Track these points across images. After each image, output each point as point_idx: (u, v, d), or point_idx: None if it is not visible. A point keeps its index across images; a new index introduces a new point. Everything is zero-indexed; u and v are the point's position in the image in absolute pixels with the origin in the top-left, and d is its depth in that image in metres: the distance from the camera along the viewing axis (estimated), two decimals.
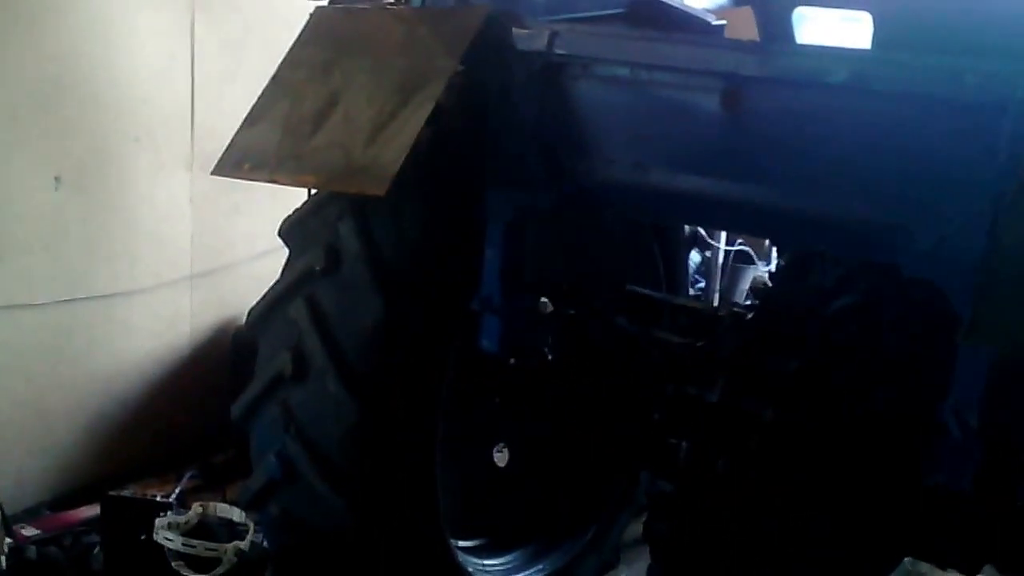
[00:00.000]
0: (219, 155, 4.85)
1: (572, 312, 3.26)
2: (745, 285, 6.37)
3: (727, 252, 6.12)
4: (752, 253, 6.46)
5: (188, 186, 4.89)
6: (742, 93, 2.51)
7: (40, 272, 4.38)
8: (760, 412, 2.78)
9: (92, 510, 4.42)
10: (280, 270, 3.14)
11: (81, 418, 4.68)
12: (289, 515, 3.05)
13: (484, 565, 3.66)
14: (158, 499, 4.24)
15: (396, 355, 2.95)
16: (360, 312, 2.92)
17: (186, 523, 2.98)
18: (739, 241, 6.10)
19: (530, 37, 2.76)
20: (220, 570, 2.86)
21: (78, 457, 4.68)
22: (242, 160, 2.88)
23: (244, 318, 5.08)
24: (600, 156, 2.80)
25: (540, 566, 3.89)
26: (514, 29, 2.77)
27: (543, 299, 3.29)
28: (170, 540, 2.86)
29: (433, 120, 2.65)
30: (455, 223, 2.98)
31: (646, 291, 3.52)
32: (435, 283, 2.98)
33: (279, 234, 3.18)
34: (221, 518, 3.03)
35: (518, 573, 3.81)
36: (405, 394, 3.00)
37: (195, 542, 2.85)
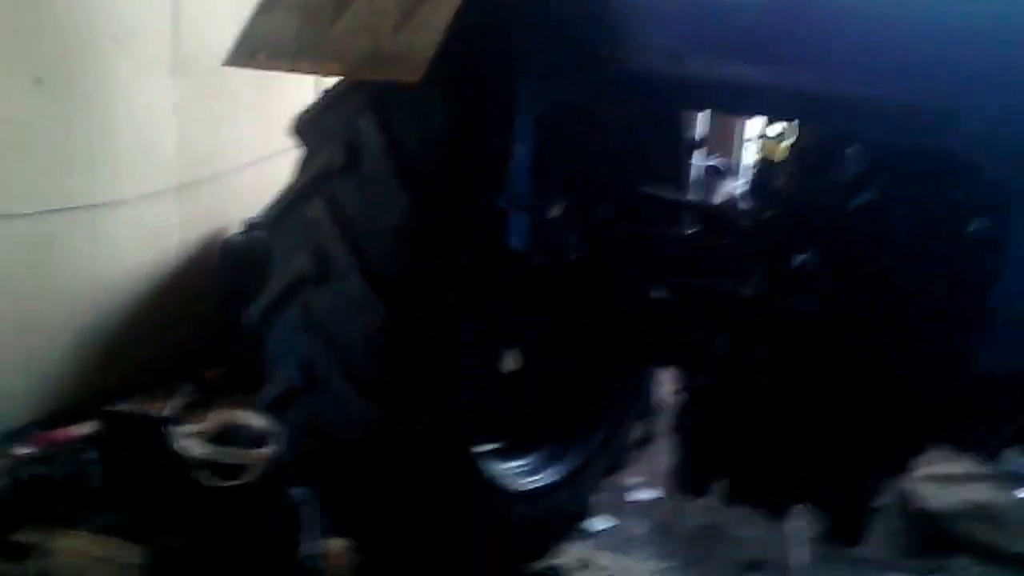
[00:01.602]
0: (202, 59, 4.75)
1: (597, 211, 3.16)
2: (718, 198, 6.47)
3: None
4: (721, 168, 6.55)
5: (171, 91, 4.69)
6: None
7: (19, 180, 4.17)
8: (800, 304, 2.72)
9: (84, 428, 4.32)
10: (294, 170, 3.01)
11: (67, 335, 4.52)
12: (311, 420, 2.95)
13: (500, 469, 3.59)
14: (158, 414, 4.17)
15: (421, 254, 2.84)
16: (383, 210, 2.80)
17: (208, 431, 2.87)
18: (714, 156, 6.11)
19: None
20: (249, 476, 2.76)
21: (66, 375, 4.53)
22: (257, 49, 2.72)
23: (231, 229, 5.00)
24: (636, 44, 2.67)
25: (554, 468, 3.84)
26: None
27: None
28: (195, 448, 2.75)
29: (464, 6, 2.50)
30: (482, 117, 2.85)
31: (663, 192, 3.43)
32: (461, 180, 2.86)
33: (294, 131, 3.03)
34: (242, 425, 2.92)
35: (532, 476, 3.76)
36: (430, 295, 2.89)
37: (224, 449, 2.75)
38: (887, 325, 2.79)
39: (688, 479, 3.13)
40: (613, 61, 2.71)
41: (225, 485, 2.77)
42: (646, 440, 4.87)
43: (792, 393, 2.82)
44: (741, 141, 7.57)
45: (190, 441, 2.80)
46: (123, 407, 4.40)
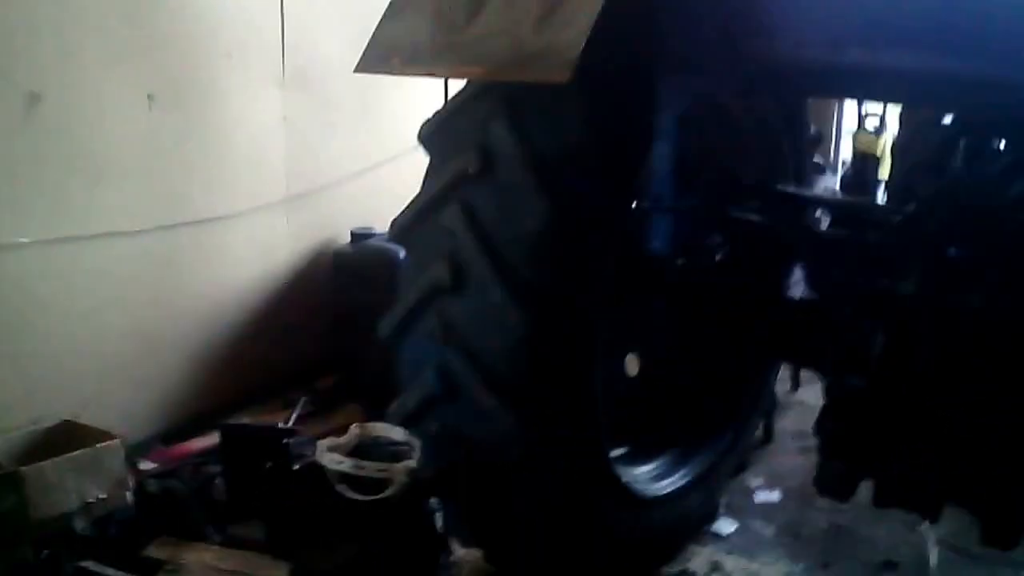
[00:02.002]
0: (309, 71, 4.76)
1: (736, 212, 3.09)
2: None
3: None
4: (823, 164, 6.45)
5: (280, 104, 4.71)
6: None
7: (139, 197, 4.22)
8: (963, 301, 2.61)
9: (205, 441, 4.34)
10: (423, 178, 2.97)
11: (185, 348, 4.56)
12: (451, 431, 2.91)
13: (633, 474, 3.53)
14: (279, 426, 4.16)
15: (561, 261, 2.78)
16: (521, 217, 2.75)
17: (346, 444, 2.84)
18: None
19: None
20: (392, 490, 2.73)
21: (185, 388, 4.57)
22: (389, 55, 2.68)
23: (341, 239, 5.01)
24: (784, 36, 2.59)
25: (684, 471, 3.78)
26: None
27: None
28: (337, 462, 2.72)
29: (609, 1, 2.44)
30: (620, 116, 2.79)
31: (800, 190, 3.34)
32: (600, 182, 2.80)
33: (419, 139, 3.00)
34: (379, 437, 2.89)
35: (664, 479, 3.69)
36: (571, 302, 2.84)
37: (365, 463, 2.72)
38: None
39: (833, 481, 3.03)
40: (760, 53, 2.62)
41: (366, 499, 2.73)
42: (766, 439, 4.79)
43: (947, 391, 2.71)
44: (839, 136, 7.41)
45: (335, 455, 2.77)
46: (243, 420, 4.41)
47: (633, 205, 2.95)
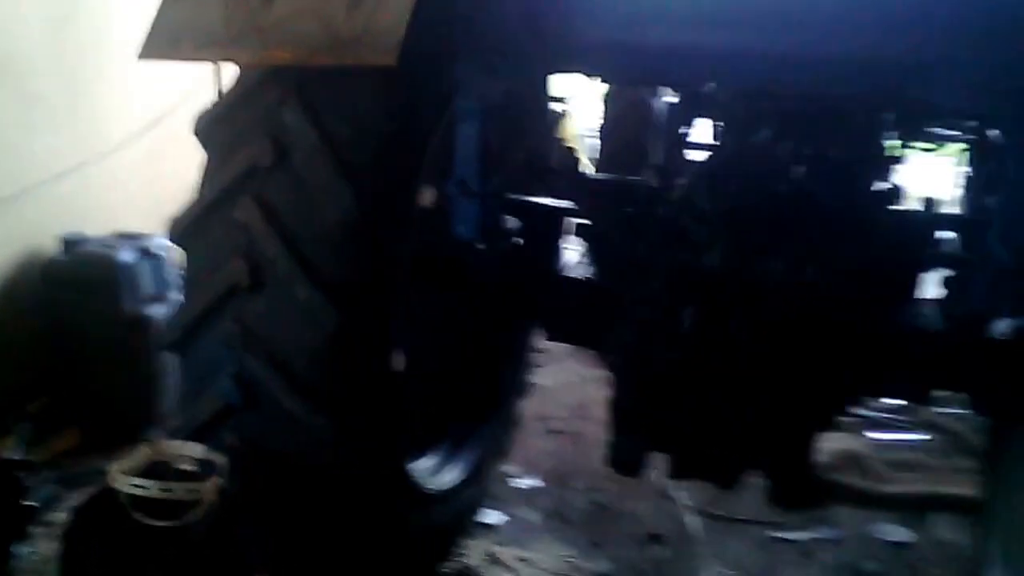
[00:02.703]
0: (6, 65, 4.27)
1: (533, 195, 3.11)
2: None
3: None
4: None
5: None
6: None
7: None
8: (768, 273, 2.77)
9: None
10: (202, 175, 2.75)
11: None
12: (252, 443, 2.71)
13: (418, 471, 3.45)
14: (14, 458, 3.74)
15: (367, 252, 2.67)
16: (322, 208, 2.61)
17: (139, 466, 2.56)
18: None
19: None
20: (198, 512, 2.49)
21: None
22: (177, 38, 2.45)
23: (50, 247, 4.53)
24: (589, 17, 2.61)
25: (458, 462, 3.74)
26: None
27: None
28: (137, 487, 2.45)
29: None
30: (419, 101, 2.71)
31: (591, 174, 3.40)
32: (402, 169, 2.71)
33: (195, 133, 2.77)
34: (174, 456, 2.63)
35: (440, 473, 3.64)
36: (377, 295, 2.73)
37: (172, 484, 2.47)
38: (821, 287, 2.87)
39: (627, 456, 3.11)
40: (564, 35, 2.63)
41: (170, 524, 2.48)
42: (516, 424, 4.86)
43: (755, 362, 2.86)
44: None
45: (130, 478, 2.49)
46: None
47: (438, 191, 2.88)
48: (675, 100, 3.60)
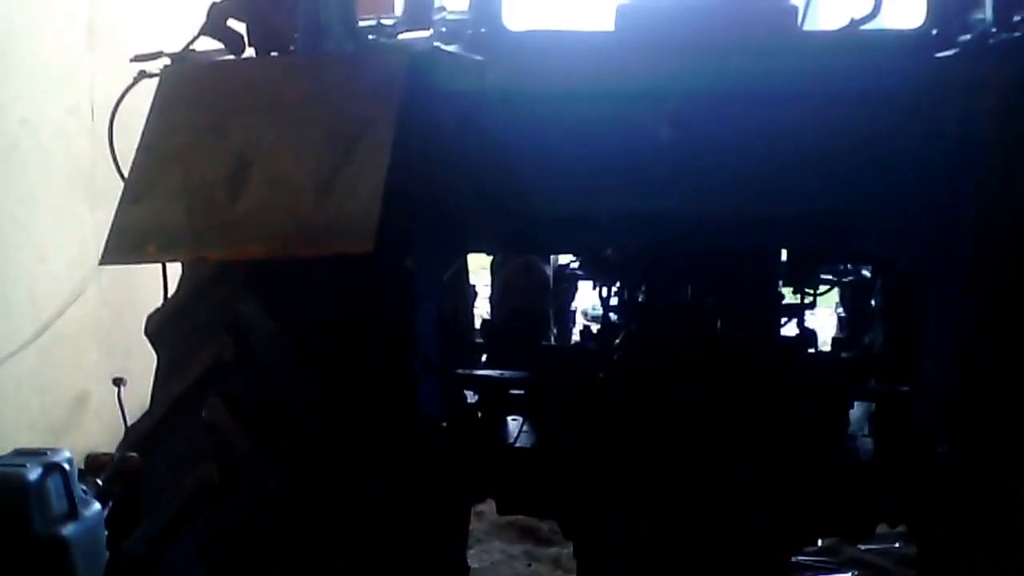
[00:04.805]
0: None
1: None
2: None
3: None
4: None
5: None
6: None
7: None
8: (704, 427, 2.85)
9: None
10: (154, 380, 2.68)
11: None
12: None
13: None
14: None
15: (337, 441, 2.62)
16: (290, 400, 2.57)
17: None
18: None
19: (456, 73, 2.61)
20: None
21: None
22: (142, 241, 2.43)
23: None
24: (541, 190, 2.71)
25: None
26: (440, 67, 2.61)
27: None
28: None
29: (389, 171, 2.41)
30: (377, 282, 2.72)
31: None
32: (365, 351, 2.70)
33: (146, 334, 2.71)
34: None
35: None
36: (353, 478, 2.67)
37: None
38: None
39: None
40: (518, 209, 2.72)
41: None
42: None
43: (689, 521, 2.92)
44: None
45: None
46: None
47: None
48: (575, 264, 3.74)
